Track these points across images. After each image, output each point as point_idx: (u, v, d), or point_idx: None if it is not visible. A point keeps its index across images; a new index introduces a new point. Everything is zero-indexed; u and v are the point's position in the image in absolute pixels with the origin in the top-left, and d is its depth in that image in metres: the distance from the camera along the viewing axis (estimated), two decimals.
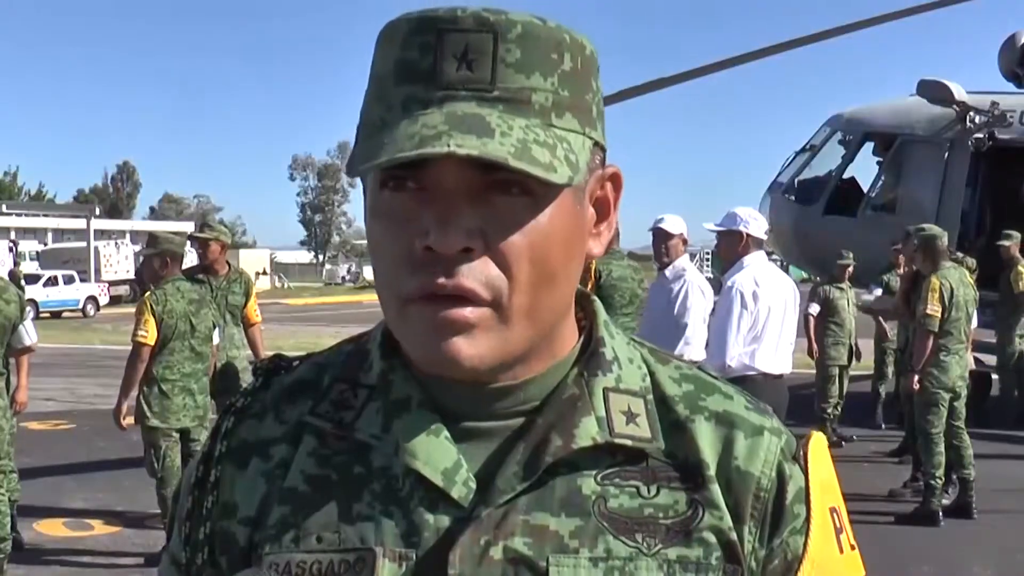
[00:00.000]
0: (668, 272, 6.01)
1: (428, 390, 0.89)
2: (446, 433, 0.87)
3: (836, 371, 9.69)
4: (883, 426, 10.31)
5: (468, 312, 0.80)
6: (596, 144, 0.86)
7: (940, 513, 6.85)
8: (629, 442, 0.87)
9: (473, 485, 0.85)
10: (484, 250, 0.80)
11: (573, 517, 0.85)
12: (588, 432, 0.87)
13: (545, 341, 0.88)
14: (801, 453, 0.94)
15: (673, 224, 6.06)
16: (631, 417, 0.89)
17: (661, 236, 6.03)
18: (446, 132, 0.76)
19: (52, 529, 6.59)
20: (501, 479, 0.85)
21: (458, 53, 0.79)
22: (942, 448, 6.90)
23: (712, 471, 0.89)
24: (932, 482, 6.88)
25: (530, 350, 0.86)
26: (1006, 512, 7.17)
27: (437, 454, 0.86)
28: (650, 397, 0.91)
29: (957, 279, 7.00)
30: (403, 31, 0.82)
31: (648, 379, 0.92)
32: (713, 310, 5.77)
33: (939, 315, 6.83)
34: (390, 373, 0.90)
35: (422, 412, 0.88)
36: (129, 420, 5.95)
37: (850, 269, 9.94)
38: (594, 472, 0.87)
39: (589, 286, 7.01)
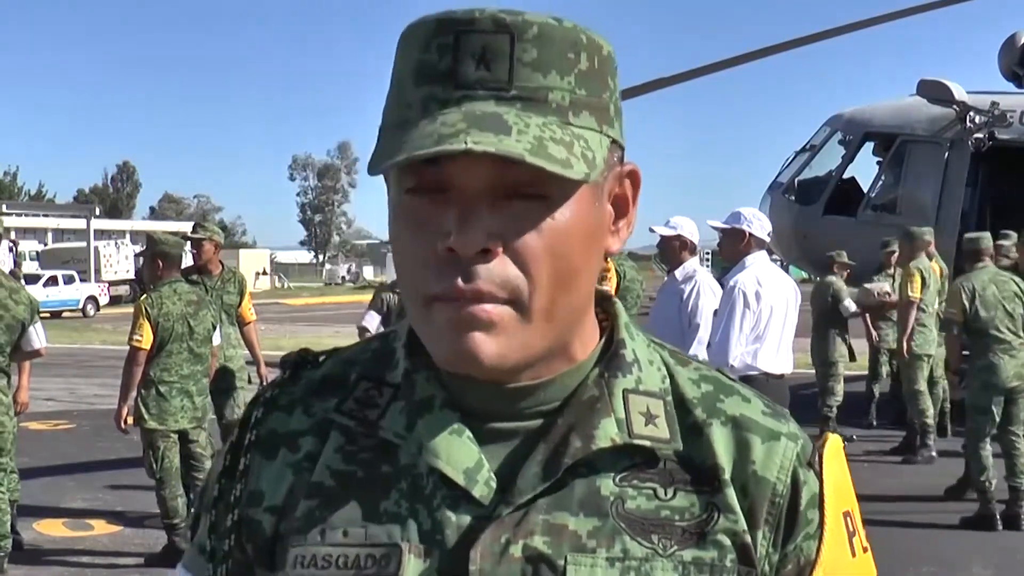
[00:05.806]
0: (678, 273, 6.01)
1: (451, 390, 0.90)
2: (468, 433, 0.88)
3: (842, 368, 9.70)
4: (875, 423, 10.34)
5: (489, 308, 0.81)
6: (614, 142, 0.87)
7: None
8: (648, 443, 0.88)
9: (494, 484, 0.87)
10: (503, 252, 0.81)
11: (591, 517, 0.87)
12: (607, 433, 0.88)
13: (566, 341, 0.89)
14: (816, 457, 0.95)
15: (686, 227, 6.07)
16: (650, 418, 0.90)
17: (673, 239, 6.04)
18: (464, 130, 0.77)
19: (52, 529, 6.59)
20: (522, 479, 0.86)
21: (476, 54, 0.80)
22: (929, 411, 7.80)
23: (728, 475, 0.90)
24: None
25: (551, 350, 0.87)
26: None
27: (459, 454, 0.87)
28: (669, 399, 0.92)
29: (927, 267, 8.32)
30: (422, 33, 0.83)
31: (668, 381, 0.93)
32: (715, 310, 5.78)
33: (918, 295, 8.24)
34: (414, 372, 0.91)
35: (445, 412, 0.89)
36: (130, 421, 5.96)
37: (847, 271, 10.01)
38: (612, 473, 0.88)
39: (613, 288, 7.01)
